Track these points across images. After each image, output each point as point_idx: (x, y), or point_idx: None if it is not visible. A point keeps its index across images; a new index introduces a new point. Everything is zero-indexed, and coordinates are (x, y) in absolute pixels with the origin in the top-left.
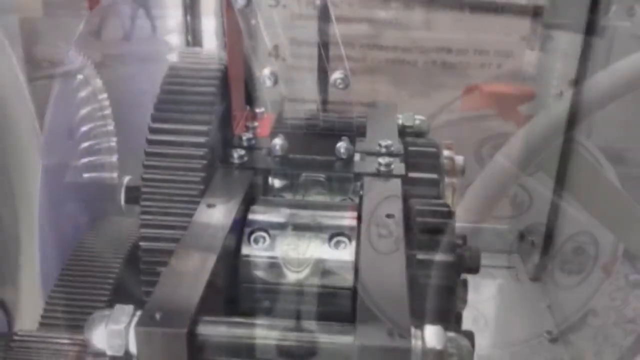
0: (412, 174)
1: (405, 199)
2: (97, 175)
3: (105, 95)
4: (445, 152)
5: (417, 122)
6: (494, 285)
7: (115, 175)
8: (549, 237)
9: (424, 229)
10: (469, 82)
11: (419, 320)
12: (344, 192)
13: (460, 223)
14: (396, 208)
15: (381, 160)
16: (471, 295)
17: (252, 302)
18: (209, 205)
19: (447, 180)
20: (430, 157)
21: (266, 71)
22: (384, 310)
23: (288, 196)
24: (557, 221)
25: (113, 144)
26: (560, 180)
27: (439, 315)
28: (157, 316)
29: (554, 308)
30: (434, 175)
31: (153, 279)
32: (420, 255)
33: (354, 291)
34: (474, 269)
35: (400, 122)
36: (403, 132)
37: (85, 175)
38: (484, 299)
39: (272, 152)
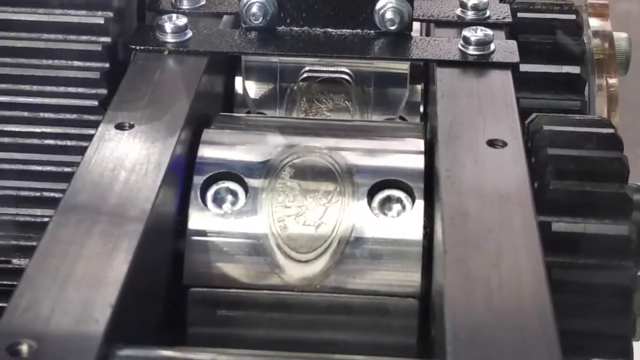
0: (528, 65)
1: (521, 113)
2: None
3: None
4: (594, 23)
5: None
6: None
7: None
8: None
9: (566, 171)
10: None
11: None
12: (391, 105)
13: None
14: (509, 128)
15: (469, 34)
16: None
17: (211, 323)
18: (120, 127)
19: (597, 80)
20: (565, 31)
21: None
22: (500, 339)
23: (275, 112)
24: None
25: None
26: None
27: (606, 343)
28: (24, 350)
29: None
30: (574, 68)
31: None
32: (560, 225)
33: (422, 301)
34: None
35: None
36: None
37: None
38: None
39: (242, 22)
